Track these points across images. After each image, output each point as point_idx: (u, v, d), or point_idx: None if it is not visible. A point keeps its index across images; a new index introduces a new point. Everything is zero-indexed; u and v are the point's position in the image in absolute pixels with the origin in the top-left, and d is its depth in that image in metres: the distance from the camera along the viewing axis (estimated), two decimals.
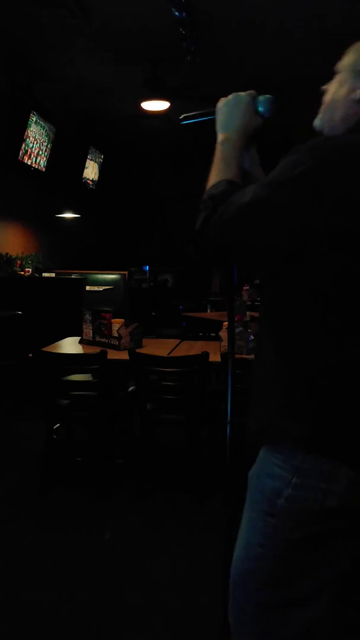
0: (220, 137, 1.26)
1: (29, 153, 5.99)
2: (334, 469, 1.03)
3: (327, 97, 1.23)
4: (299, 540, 1.07)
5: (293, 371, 1.10)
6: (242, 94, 1.26)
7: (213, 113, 1.30)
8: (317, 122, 1.24)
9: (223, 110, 1.27)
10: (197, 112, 1.37)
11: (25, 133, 5.79)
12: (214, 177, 1.20)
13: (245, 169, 1.27)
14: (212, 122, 1.29)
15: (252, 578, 1.16)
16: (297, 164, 1.03)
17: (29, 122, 5.83)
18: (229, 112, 1.26)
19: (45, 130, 6.27)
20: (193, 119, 1.39)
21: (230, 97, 1.28)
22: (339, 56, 1.28)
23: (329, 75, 1.28)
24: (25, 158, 5.94)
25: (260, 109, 1.26)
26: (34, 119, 5.91)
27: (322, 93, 1.25)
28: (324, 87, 1.25)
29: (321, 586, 1.09)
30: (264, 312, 1.21)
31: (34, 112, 5.88)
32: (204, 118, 1.34)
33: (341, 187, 1.00)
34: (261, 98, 1.26)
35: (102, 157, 8.20)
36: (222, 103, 1.28)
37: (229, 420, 1.56)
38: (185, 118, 1.40)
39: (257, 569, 1.14)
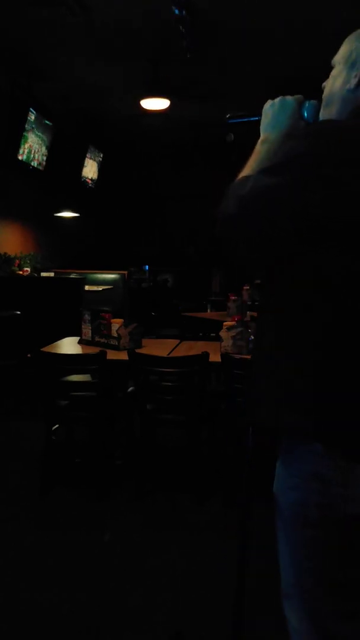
0: (261, 137, 1.27)
1: (28, 152, 5.99)
2: (348, 470, 1.02)
3: (325, 92, 1.24)
4: (340, 546, 1.05)
5: (295, 363, 1.08)
6: (289, 98, 1.27)
7: (259, 114, 1.31)
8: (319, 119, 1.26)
9: (268, 112, 1.28)
10: (244, 113, 1.39)
11: (25, 132, 5.79)
12: (242, 173, 1.21)
13: None
14: (258, 123, 1.31)
15: (310, 594, 1.14)
16: (293, 149, 1.05)
17: (29, 122, 5.83)
18: (274, 114, 1.27)
19: (45, 130, 6.26)
20: (239, 118, 1.40)
21: (276, 100, 1.28)
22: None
23: (328, 75, 1.28)
24: (25, 157, 5.93)
25: (305, 114, 1.26)
26: (34, 118, 5.91)
27: (321, 90, 1.26)
28: (324, 84, 1.26)
29: None
30: (266, 303, 1.21)
31: (34, 112, 5.88)
32: (250, 119, 1.35)
33: (338, 169, 1.00)
34: (307, 103, 1.27)
35: (101, 155, 8.19)
36: (268, 105, 1.29)
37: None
38: (231, 117, 1.42)
39: (312, 583, 1.12)
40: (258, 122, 1.30)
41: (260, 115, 1.31)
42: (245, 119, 1.38)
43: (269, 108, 1.28)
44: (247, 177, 1.13)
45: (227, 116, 1.43)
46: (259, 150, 1.24)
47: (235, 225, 1.10)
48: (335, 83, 1.21)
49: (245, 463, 1.57)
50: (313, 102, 1.27)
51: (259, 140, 1.27)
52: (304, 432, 1.05)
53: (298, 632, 1.19)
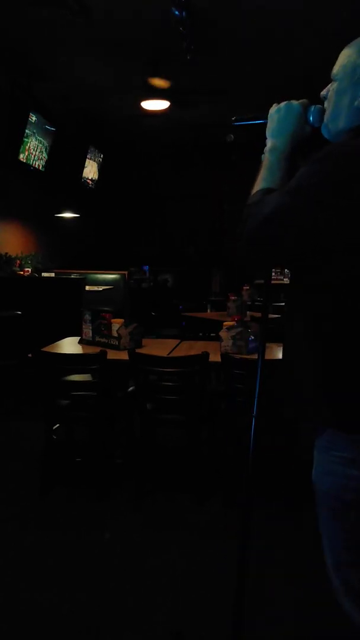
0: (268, 144, 1.29)
1: (28, 153, 5.99)
2: None
3: (330, 107, 1.25)
4: None
5: (329, 355, 1.15)
6: (294, 102, 1.29)
7: (264, 117, 1.33)
8: (323, 129, 1.27)
9: (274, 117, 1.30)
10: (250, 115, 1.40)
11: (25, 133, 5.79)
12: (257, 185, 1.25)
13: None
14: (263, 126, 1.33)
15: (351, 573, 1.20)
16: (316, 171, 1.08)
17: (30, 124, 5.83)
18: (279, 119, 1.28)
19: (46, 132, 6.27)
20: (244, 121, 1.42)
21: (282, 104, 1.30)
22: (338, 55, 1.28)
23: (329, 75, 1.28)
24: (25, 158, 5.93)
25: (311, 118, 1.27)
26: (34, 118, 5.92)
27: (322, 99, 1.28)
28: (322, 92, 1.28)
29: None
30: (295, 301, 1.25)
31: (34, 112, 5.88)
32: (256, 122, 1.37)
33: (357, 188, 1.05)
34: (312, 108, 1.28)
35: (101, 156, 8.19)
36: (273, 109, 1.31)
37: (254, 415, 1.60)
38: (237, 120, 1.44)
39: (352, 563, 1.19)
40: (263, 125, 1.32)
41: (265, 118, 1.32)
42: (251, 122, 1.40)
43: (275, 113, 1.30)
44: (268, 195, 1.17)
45: (233, 118, 1.44)
46: (270, 159, 1.26)
47: (259, 242, 1.15)
48: (341, 100, 1.22)
49: (247, 462, 1.58)
50: (318, 106, 1.28)
51: (267, 149, 1.29)
52: (348, 424, 1.12)
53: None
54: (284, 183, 1.20)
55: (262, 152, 1.34)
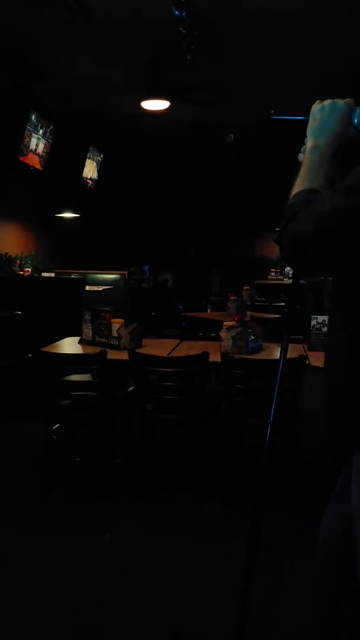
0: (310, 143, 1.24)
1: (28, 153, 5.99)
2: None
3: None
4: None
5: None
6: (340, 101, 1.23)
7: (305, 114, 1.28)
8: None
9: (317, 116, 1.24)
10: (289, 111, 1.36)
11: (25, 133, 5.79)
12: (298, 185, 1.18)
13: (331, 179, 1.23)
14: (301, 122, 1.28)
15: None
16: None
17: (29, 122, 5.83)
18: (323, 118, 1.23)
19: (46, 133, 6.27)
20: (284, 115, 1.38)
21: (326, 102, 1.25)
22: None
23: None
24: (25, 158, 5.93)
25: (356, 120, 1.22)
26: (34, 118, 5.92)
27: None
28: None
29: None
30: (338, 315, 1.21)
31: (34, 112, 5.88)
32: (296, 117, 1.33)
33: None
34: (358, 110, 1.23)
35: (101, 155, 8.20)
36: (317, 108, 1.26)
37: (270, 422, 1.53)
38: (276, 113, 1.39)
39: None
40: (302, 122, 1.28)
41: (305, 115, 1.27)
42: (291, 117, 1.36)
43: (318, 111, 1.24)
44: (317, 194, 1.12)
45: (272, 112, 1.40)
46: (311, 159, 1.21)
47: (310, 242, 1.07)
48: None
49: (263, 466, 1.55)
50: None
51: (308, 148, 1.23)
52: None
53: None
54: (327, 184, 1.16)
55: (299, 151, 1.29)
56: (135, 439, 3.27)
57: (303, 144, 1.26)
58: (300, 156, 1.26)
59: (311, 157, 1.21)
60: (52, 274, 6.54)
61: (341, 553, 1.26)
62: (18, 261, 6.30)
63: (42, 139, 6.22)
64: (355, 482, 1.16)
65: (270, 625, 2.05)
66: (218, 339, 3.24)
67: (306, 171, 1.19)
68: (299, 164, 1.24)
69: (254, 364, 3.02)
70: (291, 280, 1.78)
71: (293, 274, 1.36)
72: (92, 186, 8.12)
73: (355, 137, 1.23)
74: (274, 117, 1.39)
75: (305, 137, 1.26)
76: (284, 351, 1.59)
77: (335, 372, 1.20)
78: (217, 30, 4.72)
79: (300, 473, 2.94)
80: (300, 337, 3.46)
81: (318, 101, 1.26)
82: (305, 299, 6.13)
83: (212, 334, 4.64)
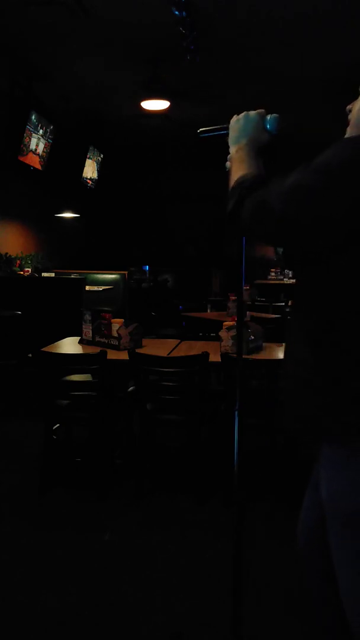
0: (234, 149, 1.37)
1: (28, 153, 5.99)
2: None
3: (353, 116, 1.28)
4: None
5: (339, 365, 1.12)
6: (251, 113, 1.39)
7: (226, 127, 1.44)
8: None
9: (234, 127, 1.39)
10: (214, 127, 1.52)
11: (25, 133, 5.79)
12: (235, 175, 1.29)
13: None
14: (225, 136, 1.43)
15: None
16: (345, 149, 1.09)
17: (29, 122, 5.83)
18: (239, 128, 1.38)
19: (46, 133, 6.27)
20: (210, 132, 1.54)
21: (241, 115, 1.40)
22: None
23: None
24: (25, 158, 5.93)
25: (268, 126, 1.38)
26: (34, 118, 5.92)
27: (347, 113, 1.31)
28: (349, 107, 1.31)
29: None
30: (306, 299, 1.23)
31: (34, 112, 5.88)
32: (220, 132, 1.48)
33: None
34: (269, 117, 1.39)
35: (101, 156, 8.20)
36: (234, 120, 1.41)
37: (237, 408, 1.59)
38: (203, 132, 1.56)
39: None
40: (225, 135, 1.42)
41: (226, 128, 1.42)
42: (216, 133, 1.51)
43: (235, 123, 1.39)
44: (260, 174, 1.22)
45: (199, 130, 1.55)
46: (239, 155, 1.34)
47: (275, 217, 1.13)
48: None
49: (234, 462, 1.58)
50: (275, 115, 1.38)
51: (234, 151, 1.36)
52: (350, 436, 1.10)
53: None
54: (259, 171, 1.26)
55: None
56: (135, 439, 3.27)
57: (228, 152, 1.40)
58: (228, 164, 1.38)
59: (238, 155, 1.34)
60: (52, 274, 6.54)
61: (319, 538, 1.28)
62: (18, 261, 6.30)
63: (42, 139, 6.22)
64: (322, 474, 1.18)
65: (269, 625, 2.05)
66: (218, 339, 3.24)
67: (238, 165, 1.31)
68: (228, 172, 1.35)
69: (254, 364, 3.02)
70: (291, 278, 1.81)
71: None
72: (92, 186, 8.12)
73: (270, 140, 1.38)
74: (201, 135, 1.56)
75: (229, 147, 1.40)
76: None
77: (296, 356, 1.22)
78: (217, 30, 4.72)
79: (298, 472, 2.94)
80: None
81: (235, 115, 1.41)
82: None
83: (212, 334, 4.64)
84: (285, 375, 1.25)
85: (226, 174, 1.37)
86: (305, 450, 1.30)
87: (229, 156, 1.38)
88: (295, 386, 1.21)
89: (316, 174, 1.08)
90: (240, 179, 1.25)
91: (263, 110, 1.40)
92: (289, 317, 1.29)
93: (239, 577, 1.60)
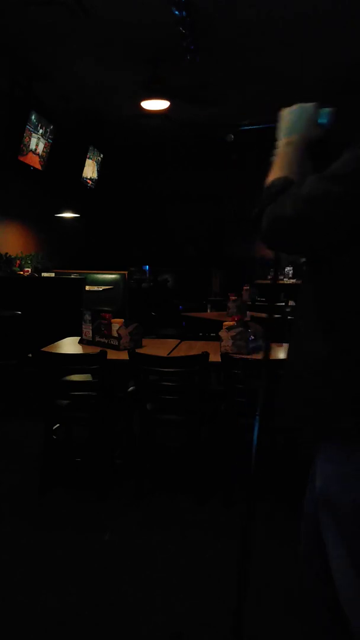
0: (283, 141, 1.32)
1: (28, 153, 5.99)
2: None
3: None
4: None
5: (339, 365, 1.12)
6: (307, 104, 1.33)
7: (272, 122, 1.37)
8: None
9: (287, 118, 1.33)
10: (255, 121, 1.48)
11: (25, 133, 5.79)
12: (274, 174, 1.25)
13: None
14: (270, 130, 1.37)
15: None
16: (355, 161, 1.08)
17: (29, 122, 5.83)
18: (292, 119, 1.32)
19: (46, 133, 6.27)
20: (252, 125, 1.49)
21: (295, 106, 1.34)
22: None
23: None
24: (25, 158, 5.93)
25: (322, 120, 1.32)
26: (34, 118, 5.92)
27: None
28: None
29: None
30: (309, 300, 1.23)
31: (34, 112, 5.88)
32: (264, 125, 1.42)
33: None
34: (324, 110, 1.33)
35: (101, 155, 8.20)
36: (286, 111, 1.35)
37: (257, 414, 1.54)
38: (244, 125, 1.51)
39: None
40: (270, 129, 1.36)
41: (271, 123, 1.36)
42: (259, 126, 1.45)
43: (288, 114, 1.33)
44: (305, 181, 1.16)
45: (239, 124, 1.51)
46: (285, 151, 1.29)
47: (289, 224, 1.14)
48: None
49: (251, 462, 1.57)
50: (328, 109, 1.32)
51: (283, 143, 1.31)
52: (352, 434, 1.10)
53: None
54: (302, 174, 1.22)
55: (271, 154, 1.34)
56: (135, 439, 3.27)
57: (275, 147, 1.35)
58: (273, 158, 1.33)
59: (285, 149, 1.30)
60: (52, 274, 6.54)
61: (317, 538, 1.28)
62: (18, 261, 6.30)
63: (42, 139, 6.22)
64: (320, 472, 1.19)
65: (269, 625, 2.05)
66: (218, 339, 3.24)
67: (281, 161, 1.28)
68: (270, 165, 1.31)
69: (254, 364, 3.02)
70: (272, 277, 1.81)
71: (275, 254, 1.45)
72: (92, 186, 8.12)
73: (323, 136, 1.32)
74: (242, 128, 1.51)
75: (276, 141, 1.35)
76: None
77: (297, 356, 1.22)
78: (217, 30, 4.72)
79: (300, 473, 2.94)
80: None
81: (286, 107, 1.36)
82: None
83: (212, 334, 4.64)
84: (286, 374, 1.25)
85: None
86: (304, 450, 1.29)
87: (275, 151, 1.34)
88: (295, 386, 1.21)
89: (334, 180, 1.09)
90: (273, 182, 1.23)
91: (318, 102, 1.34)
92: (290, 318, 1.29)
93: (244, 583, 1.60)
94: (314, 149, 1.32)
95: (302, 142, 1.29)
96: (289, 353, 1.28)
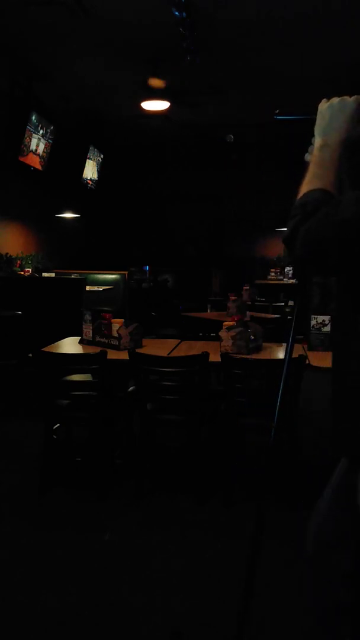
0: (319, 141, 1.20)
1: (28, 153, 5.99)
2: None
3: None
4: None
5: None
6: (349, 98, 1.20)
7: (310, 114, 1.25)
8: None
9: (325, 114, 1.21)
10: (295, 113, 1.34)
11: (25, 133, 5.80)
12: (308, 183, 1.14)
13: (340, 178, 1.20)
14: (307, 122, 1.26)
15: None
16: None
17: (29, 122, 5.83)
18: (331, 116, 1.20)
19: (46, 133, 6.27)
20: (289, 115, 1.35)
21: (335, 100, 1.21)
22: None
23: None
24: (25, 158, 5.94)
25: None
26: (34, 118, 5.92)
27: None
28: None
29: None
30: (349, 311, 1.18)
31: (34, 112, 5.89)
32: (301, 117, 1.30)
33: None
34: None
35: (101, 156, 8.21)
36: (325, 105, 1.22)
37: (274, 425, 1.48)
38: (280, 113, 1.36)
39: None
40: (307, 121, 1.25)
41: (310, 114, 1.25)
42: (296, 117, 1.33)
43: (327, 109, 1.21)
44: (332, 195, 1.08)
45: (276, 112, 1.36)
46: (321, 156, 1.18)
47: (329, 248, 1.04)
48: None
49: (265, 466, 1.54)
50: None
51: (317, 146, 1.20)
52: None
53: None
54: (338, 183, 1.14)
55: (307, 151, 1.26)
56: (135, 439, 3.27)
57: (310, 143, 1.24)
58: (308, 156, 1.23)
59: (321, 154, 1.18)
60: (52, 274, 6.54)
61: (335, 543, 1.26)
62: (18, 261, 6.30)
63: (42, 139, 6.22)
64: None
65: (270, 626, 2.05)
66: (218, 339, 3.24)
67: (316, 169, 1.16)
68: (307, 163, 1.21)
69: (254, 364, 3.02)
70: (296, 279, 1.72)
71: (298, 273, 1.33)
72: (92, 186, 8.12)
73: None
74: (277, 117, 1.36)
75: (313, 136, 1.23)
76: (289, 353, 1.52)
77: (348, 372, 1.17)
78: (217, 31, 4.72)
79: (300, 473, 2.94)
80: (301, 337, 3.46)
81: (325, 99, 1.23)
82: (311, 298, 6.14)
83: (212, 334, 4.64)
84: (336, 393, 1.20)
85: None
86: (332, 458, 1.25)
87: (310, 147, 1.22)
88: (345, 403, 1.17)
89: None
90: (308, 197, 1.11)
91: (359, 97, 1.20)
92: (289, 317, 1.28)
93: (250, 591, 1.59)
94: (355, 148, 1.20)
95: (340, 144, 1.17)
96: (334, 367, 1.21)
